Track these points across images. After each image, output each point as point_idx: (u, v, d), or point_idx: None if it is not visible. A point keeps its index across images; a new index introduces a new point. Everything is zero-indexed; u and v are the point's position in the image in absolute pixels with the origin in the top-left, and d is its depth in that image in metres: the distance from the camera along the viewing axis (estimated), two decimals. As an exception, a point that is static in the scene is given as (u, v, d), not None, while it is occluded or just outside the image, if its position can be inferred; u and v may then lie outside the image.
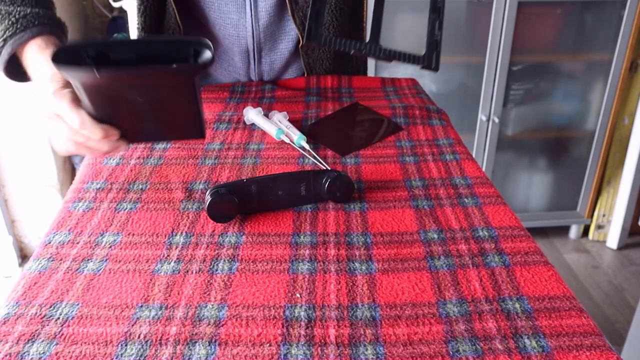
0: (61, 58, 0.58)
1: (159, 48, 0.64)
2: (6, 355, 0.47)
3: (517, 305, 0.52)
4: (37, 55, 0.69)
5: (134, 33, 0.94)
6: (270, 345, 0.48)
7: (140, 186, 0.71)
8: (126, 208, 0.67)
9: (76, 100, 0.62)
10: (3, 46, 0.71)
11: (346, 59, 1.03)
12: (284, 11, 0.93)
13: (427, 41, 0.43)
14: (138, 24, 0.92)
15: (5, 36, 0.70)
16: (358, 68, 1.07)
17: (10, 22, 0.71)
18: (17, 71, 0.73)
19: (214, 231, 0.63)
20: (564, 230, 2.37)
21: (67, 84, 0.63)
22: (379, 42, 0.42)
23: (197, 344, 0.48)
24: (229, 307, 0.52)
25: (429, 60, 0.43)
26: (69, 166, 2.10)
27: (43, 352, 0.48)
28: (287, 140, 0.80)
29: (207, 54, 0.61)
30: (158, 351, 0.48)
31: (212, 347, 0.48)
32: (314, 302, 0.53)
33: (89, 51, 0.62)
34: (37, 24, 0.71)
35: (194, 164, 0.76)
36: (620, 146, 2.21)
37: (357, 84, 1.00)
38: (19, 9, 0.72)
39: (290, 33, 0.95)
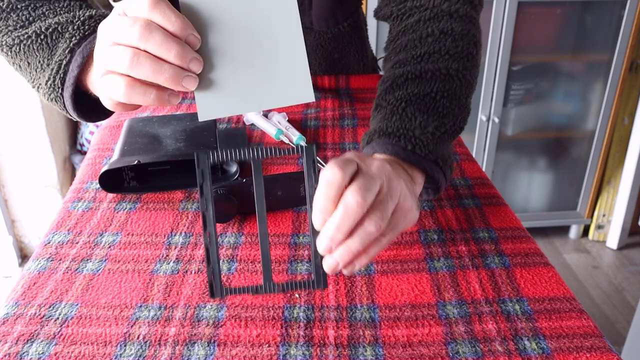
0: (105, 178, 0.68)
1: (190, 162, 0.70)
2: (5, 355, 0.47)
3: (517, 307, 0.52)
4: None
5: None
6: (269, 346, 0.48)
7: (140, 186, 0.71)
8: (125, 208, 0.67)
9: None
10: (70, 60, 0.55)
11: (337, 59, 1.01)
12: None
13: (313, 263, 0.48)
14: None
15: (71, 45, 0.56)
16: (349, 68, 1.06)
17: (74, 28, 0.57)
18: (86, 107, 0.59)
19: (213, 231, 0.63)
20: (564, 230, 2.37)
21: None
22: (271, 279, 0.49)
23: (196, 344, 0.48)
24: (228, 307, 0.52)
25: (318, 282, 0.48)
26: (69, 166, 2.10)
27: (42, 352, 0.47)
28: (286, 141, 0.80)
29: (233, 168, 0.71)
30: (157, 351, 0.48)
31: (211, 347, 0.48)
32: (312, 303, 0.53)
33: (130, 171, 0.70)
34: None
35: (193, 164, 0.75)
36: (620, 146, 2.21)
37: (356, 83, 0.99)
38: (80, 12, 0.59)
39: None
